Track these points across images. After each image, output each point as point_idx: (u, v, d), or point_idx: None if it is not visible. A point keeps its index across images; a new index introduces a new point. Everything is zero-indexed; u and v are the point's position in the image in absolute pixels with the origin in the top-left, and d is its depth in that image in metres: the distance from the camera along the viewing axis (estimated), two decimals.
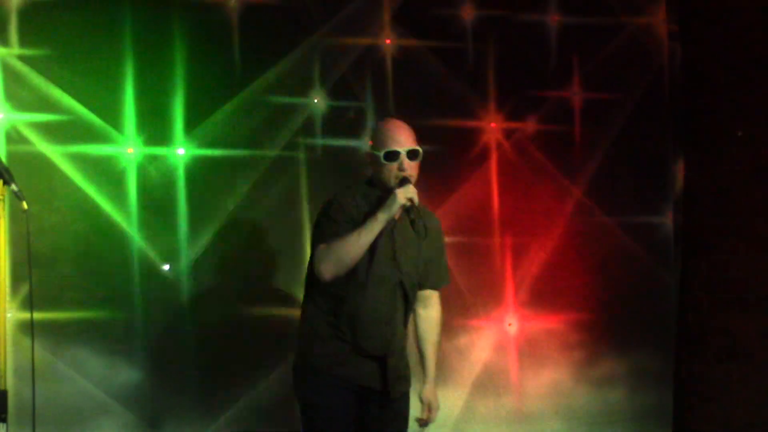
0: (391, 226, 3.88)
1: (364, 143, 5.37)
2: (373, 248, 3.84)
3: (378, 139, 3.95)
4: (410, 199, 3.79)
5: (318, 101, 5.31)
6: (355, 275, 3.85)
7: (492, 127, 5.63)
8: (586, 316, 5.69)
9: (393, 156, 3.88)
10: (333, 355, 3.91)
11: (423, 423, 4.07)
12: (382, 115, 5.39)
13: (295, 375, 4.04)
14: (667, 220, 5.88)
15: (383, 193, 3.88)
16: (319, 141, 5.30)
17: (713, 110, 5.84)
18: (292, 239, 5.20)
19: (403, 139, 3.90)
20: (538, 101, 5.71)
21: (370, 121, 5.38)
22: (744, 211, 5.64)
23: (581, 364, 5.68)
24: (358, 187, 4.01)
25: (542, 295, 5.63)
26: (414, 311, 4.10)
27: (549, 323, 5.65)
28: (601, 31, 5.83)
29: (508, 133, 5.66)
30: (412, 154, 3.89)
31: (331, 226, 3.88)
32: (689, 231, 5.92)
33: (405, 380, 4.03)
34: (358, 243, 3.77)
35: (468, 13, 5.61)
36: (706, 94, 5.87)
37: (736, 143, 5.69)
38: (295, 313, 5.14)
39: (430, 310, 4.12)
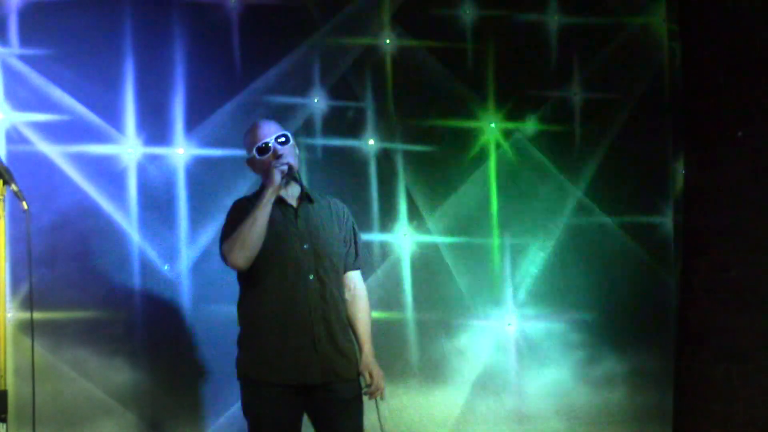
0: (291, 215, 4.01)
1: (365, 143, 5.37)
2: (279, 239, 3.94)
3: (247, 144, 4.13)
4: (285, 164, 3.95)
5: (318, 101, 5.31)
6: (267, 269, 3.94)
7: (492, 127, 5.63)
8: (586, 316, 5.69)
9: (264, 149, 4.05)
10: (258, 358, 3.97)
11: (370, 394, 4.09)
12: (383, 115, 5.40)
13: (240, 386, 4.09)
14: (667, 220, 5.88)
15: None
16: (319, 141, 5.30)
17: (713, 110, 5.84)
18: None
19: (266, 131, 4.08)
20: (538, 101, 5.71)
21: (370, 121, 5.39)
22: (744, 211, 5.63)
23: (581, 364, 5.68)
24: (253, 193, 4.13)
25: (542, 295, 5.63)
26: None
27: (549, 323, 5.65)
28: (601, 31, 5.83)
29: (508, 133, 5.66)
30: (280, 140, 4.05)
31: (229, 225, 4.00)
32: (689, 231, 5.92)
33: (344, 366, 4.04)
34: (254, 221, 3.87)
35: (468, 13, 5.61)
36: (706, 94, 5.87)
37: (736, 143, 5.68)
38: None
39: (353, 291, 4.18)
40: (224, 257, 3.96)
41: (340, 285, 4.13)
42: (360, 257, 4.23)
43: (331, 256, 4.07)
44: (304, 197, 4.12)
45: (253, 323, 4.02)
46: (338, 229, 4.14)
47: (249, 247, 3.88)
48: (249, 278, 4.01)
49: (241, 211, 4.00)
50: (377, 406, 4.13)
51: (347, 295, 4.17)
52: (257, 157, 4.07)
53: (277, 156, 4.01)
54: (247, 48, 5.20)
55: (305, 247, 4.01)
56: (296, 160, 4.09)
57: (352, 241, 4.21)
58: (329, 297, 4.04)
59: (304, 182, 4.27)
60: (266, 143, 4.05)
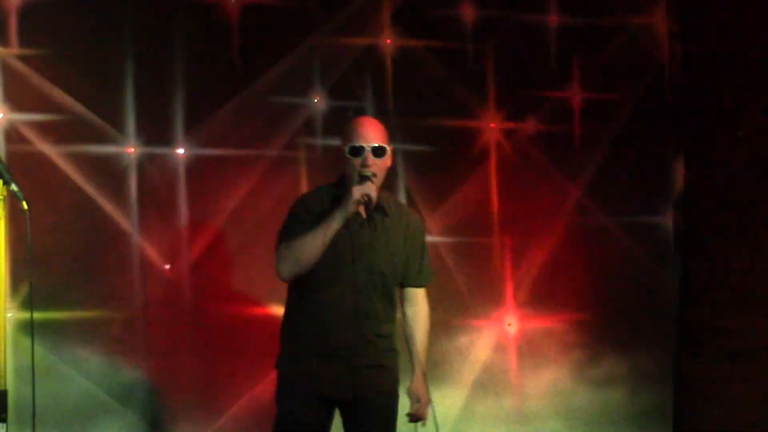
0: (356, 226, 3.85)
1: None
2: (335, 248, 3.79)
3: (346, 135, 3.91)
4: (366, 195, 3.74)
5: (318, 101, 5.31)
6: (317, 275, 3.82)
7: (492, 127, 5.63)
8: (586, 316, 5.69)
9: (357, 151, 3.84)
10: (295, 361, 3.91)
11: (413, 418, 4.00)
12: (383, 115, 5.40)
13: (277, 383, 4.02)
14: (667, 220, 5.89)
15: (347, 192, 3.80)
16: (319, 141, 5.30)
17: (713, 110, 5.84)
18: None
19: (369, 135, 3.86)
20: (538, 101, 5.71)
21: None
22: (744, 211, 5.63)
23: (581, 364, 5.68)
24: (327, 188, 3.99)
25: (542, 295, 5.63)
26: (403, 312, 4.05)
27: (549, 323, 5.65)
28: (601, 31, 5.83)
29: (508, 133, 5.66)
30: (377, 151, 3.84)
31: (294, 226, 3.85)
32: (689, 231, 5.92)
33: (382, 379, 3.95)
34: (314, 242, 3.73)
35: (468, 13, 5.61)
36: (706, 94, 5.87)
37: (736, 143, 5.68)
38: None
39: (414, 308, 4.04)
40: (276, 261, 3.84)
41: (391, 302, 3.97)
42: (423, 275, 4.05)
43: (385, 272, 3.90)
44: (378, 208, 3.88)
45: (295, 326, 3.92)
46: (403, 245, 3.97)
47: (301, 265, 3.77)
48: (299, 281, 3.88)
49: (310, 212, 3.86)
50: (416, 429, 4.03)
51: (408, 311, 4.03)
52: (346, 154, 3.86)
53: (365, 165, 3.80)
54: (247, 48, 5.20)
55: (360, 260, 3.86)
56: (384, 175, 3.89)
57: (419, 258, 4.03)
58: (373, 313, 3.89)
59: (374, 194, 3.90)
60: (362, 147, 3.83)
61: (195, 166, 5.09)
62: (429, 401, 4.02)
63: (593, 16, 5.82)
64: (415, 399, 3.99)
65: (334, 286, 3.85)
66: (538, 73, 5.73)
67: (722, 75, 5.78)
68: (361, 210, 3.83)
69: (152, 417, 4.94)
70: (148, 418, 4.93)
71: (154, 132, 5.03)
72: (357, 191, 3.73)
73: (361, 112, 5.36)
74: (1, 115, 4.81)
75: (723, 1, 5.82)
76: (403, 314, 4.05)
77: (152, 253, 5.00)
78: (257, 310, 5.14)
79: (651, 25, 5.92)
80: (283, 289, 5.13)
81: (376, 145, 3.84)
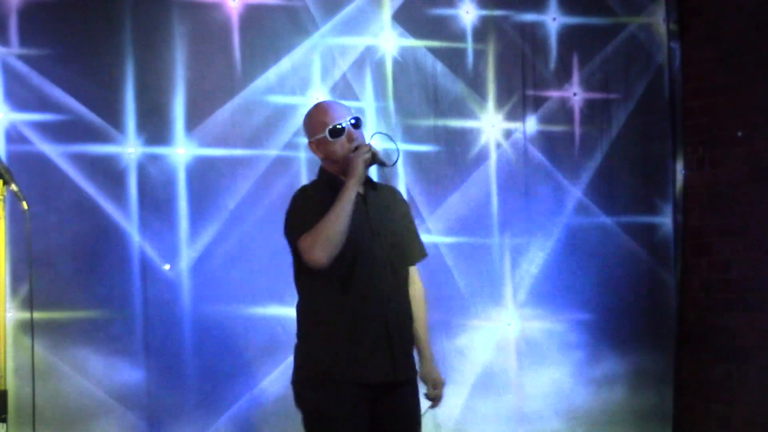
0: (361, 202, 3.74)
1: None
2: (352, 229, 3.66)
3: (317, 123, 3.79)
4: (368, 152, 3.67)
5: (318, 101, 5.30)
6: (340, 259, 3.66)
7: (492, 127, 5.63)
8: (586, 316, 5.69)
9: (338, 131, 3.75)
10: (332, 354, 3.73)
11: (431, 400, 3.86)
12: (383, 115, 5.40)
13: (296, 385, 3.85)
14: (667, 220, 5.89)
15: (344, 170, 3.70)
16: None
17: (713, 110, 5.84)
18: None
19: (339, 112, 3.79)
20: (538, 101, 5.71)
21: (370, 121, 5.38)
22: (744, 211, 5.63)
23: (581, 364, 5.68)
24: (316, 179, 3.89)
25: (542, 295, 5.63)
26: None
27: (549, 323, 5.65)
28: (601, 31, 5.83)
29: (508, 133, 5.66)
30: (356, 123, 3.78)
31: (304, 216, 3.73)
32: (689, 231, 5.92)
33: (411, 364, 3.82)
34: (338, 216, 3.60)
35: (468, 13, 5.61)
36: (706, 94, 5.88)
37: (736, 143, 5.68)
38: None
39: (413, 286, 3.90)
40: (304, 253, 3.68)
41: (408, 276, 3.87)
42: (418, 248, 3.94)
43: (402, 244, 3.82)
44: (368, 183, 3.82)
45: (326, 319, 3.75)
46: (400, 217, 3.89)
47: (334, 244, 3.60)
48: (320, 271, 3.70)
49: (312, 201, 3.74)
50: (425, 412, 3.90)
51: (408, 290, 3.90)
52: (329, 139, 3.74)
53: (352, 140, 3.73)
54: (247, 48, 5.20)
55: (378, 235, 3.75)
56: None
57: (413, 229, 3.95)
58: (402, 288, 3.81)
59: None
60: (341, 125, 3.75)
61: (195, 166, 5.09)
62: (444, 383, 3.91)
63: (593, 16, 5.83)
64: (431, 382, 3.87)
65: (360, 266, 3.71)
66: (538, 73, 5.73)
67: (722, 75, 5.78)
68: (360, 188, 3.73)
69: (152, 417, 4.94)
70: (148, 418, 4.92)
71: (154, 132, 5.03)
72: (359, 151, 3.67)
73: (361, 112, 5.37)
74: (1, 115, 4.81)
75: (723, 1, 5.82)
76: None
77: (152, 253, 5.00)
78: (257, 311, 5.13)
79: (651, 25, 5.92)
80: (282, 288, 5.17)
81: (353, 116, 3.79)
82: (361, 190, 3.75)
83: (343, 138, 3.75)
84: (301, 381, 3.84)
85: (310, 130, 3.83)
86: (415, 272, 3.93)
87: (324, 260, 3.65)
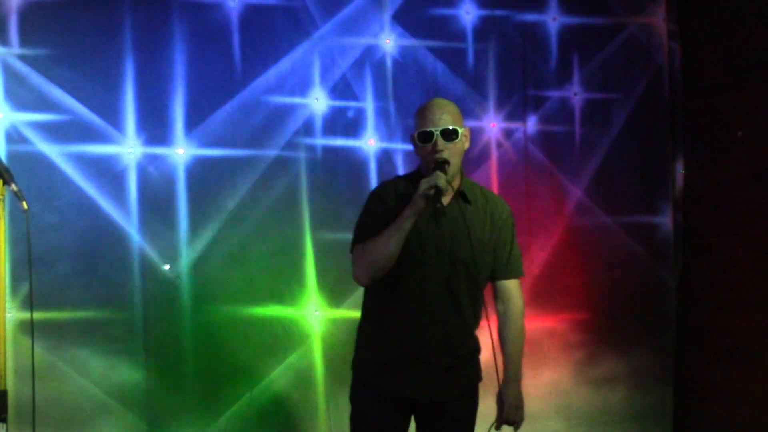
0: (439, 215, 3.59)
1: (364, 143, 5.37)
2: (417, 240, 3.59)
3: (416, 121, 3.69)
4: (433, 188, 3.46)
5: (318, 101, 5.31)
6: (397, 268, 3.56)
7: (492, 127, 5.63)
8: (586, 316, 5.69)
9: (426, 137, 3.62)
10: (373, 361, 3.72)
11: (500, 424, 3.78)
12: (383, 115, 5.40)
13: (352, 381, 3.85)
14: (667, 220, 5.89)
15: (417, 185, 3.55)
16: (319, 141, 5.30)
17: (713, 110, 5.84)
18: (293, 239, 5.19)
19: (437, 118, 3.62)
20: (538, 101, 5.71)
21: (370, 121, 5.39)
22: (744, 211, 5.64)
23: (581, 364, 5.68)
24: (405, 176, 3.80)
25: (542, 295, 5.63)
26: (495, 308, 3.80)
27: (549, 323, 5.65)
28: (601, 31, 5.84)
29: (508, 133, 5.66)
30: (447, 135, 3.60)
31: (366, 222, 3.66)
32: (689, 231, 5.92)
33: (459, 381, 3.74)
34: (387, 244, 3.50)
35: (468, 13, 5.62)
36: (706, 94, 5.88)
37: (736, 143, 5.69)
38: (296, 312, 5.18)
39: (506, 304, 3.78)
40: (352, 265, 3.63)
41: (477, 297, 3.74)
42: (512, 267, 3.80)
43: (469, 264, 3.67)
44: (459, 195, 3.70)
45: (374, 324, 3.73)
46: (489, 234, 3.75)
47: (377, 268, 3.53)
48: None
49: (382, 202, 3.66)
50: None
51: (500, 307, 3.78)
52: (417, 141, 3.65)
53: (436, 151, 3.57)
54: (247, 48, 5.20)
55: (442, 251, 3.64)
56: (459, 159, 3.65)
57: (508, 248, 3.80)
58: (457, 309, 3.67)
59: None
60: (431, 132, 3.61)
61: (195, 166, 5.09)
62: (520, 407, 3.76)
63: (593, 16, 5.83)
64: (507, 404, 3.74)
65: (414, 280, 3.63)
66: (538, 73, 5.73)
67: (721, 75, 5.78)
68: (443, 199, 3.57)
69: (152, 417, 4.94)
70: (148, 418, 4.92)
71: (154, 132, 5.03)
72: (424, 183, 3.48)
73: (361, 112, 5.37)
74: (2, 115, 4.81)
75: (723, 1, 5.82)
76: (496, 311, 3.81)
77: (152, 253, 5.00)
78: (257, 311, 5.13)
79: (651, 25, 5.92)
80: (282, 289, 5.18)
81: (445, 127, 3.61)
82: (445, 201, 3.61)
83: (429, 145, 3.62)
84: (352, 380, 3.84)
85: (414, 125, 3.73)
86: (510, 289, 3.79)
87: (363, 281, 3.63)
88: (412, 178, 3.70)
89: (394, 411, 3.71)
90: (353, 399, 3.81)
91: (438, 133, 3.61)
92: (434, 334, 3.66)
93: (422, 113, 3.68)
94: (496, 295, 3.81)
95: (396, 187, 3.72)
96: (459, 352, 3.73)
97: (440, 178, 3.49)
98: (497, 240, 3.78)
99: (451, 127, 3.62)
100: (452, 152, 3.61)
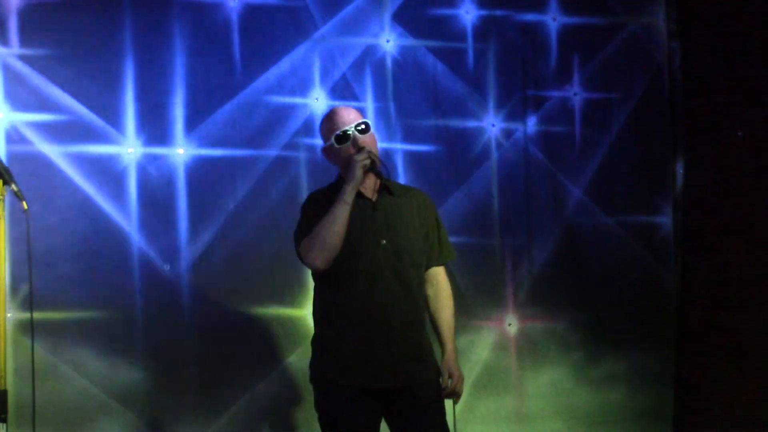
0: (369, 208, 3.81)
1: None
2: (354, 234, 3.73)
3: (324, 131, 3.91)
4: (368, 155, 3.73)
5: (318, 101, 5.31)
6: (342, 265, 3.73)
7: (492, 127, 5.63)
8: (586, 316, 5.69)
9: (343, 138, 3.83)
10: (335, 359, 3.80)
11: (447, 394, 3.90)
12: (383, 115, 5.40)
13: (313, 388, 3.92)
14: (667, 220, 5.88)
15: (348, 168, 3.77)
16: (319, 141, 5.29)
17: (713, 110, 5.84)
18: (293, 239, 5.19)
19: (346, 118, 3.85)
20: (538, 101, 5.71)
21: (370, 121, 5.37)
22: (744, 211, 5.63)
23: (581, 364, 5.68)
24: (330, 185, 3.95)
25: (542, 295, 5.63)
26: (424, 294, 3.96)
27: (549, 323, 5.65)
28: (601, 31, 5.83)
29: (508, 133, 5.66)
30: (360, 128, 3.83)
31: (305, 221, 3.83)
32: (689, 231, 5.92)
33: (422, 369, 3.85)
34: (333, 221, 3.68)
35: (468, 13, 5.62)
36: (706, 94, 5.87)
37: (736, 143, 5.68)
38: (296, 312, 5.18)
39: (435, 287, 3.97)
40: (301, 257, 3.79)
41: (421, 282, 3.91)
42: (444, 252, 4.00)
43: (411, 252, 3.84)
44: (383, 189, 3.89)
45: (330, 323, 3.83)
46: (419, 223, 3.91)
47: (329, 248, 3.68)
48: (324, 276, 3.81)
49: (317, 206, 3.81)
50: (453, 408, 3.95)
51: (429, 291, 3.96)
52: (335, 146, 3.84)
53: (357, 146, 3.79)
54: (247, 48, 5.20)
55: (383, 243, 3.79)
56: (377, 151, 3.88)
57: (436, 234, 3.98)
58: (408, 295, 3.83)
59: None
60: (345, 131, 3.82)
61: (195, 166, 5.09)
62: (462, 377, 3.94)
63: (593, 16, 5.83)
64: (446, 373, 3.90)
65: (362, 273, 3.77)
66: (538, 73, 5.73)
67: (722, 75, 5.78)
68: (369, 192, 3.82)
69: (152, 417, 4.94)
70: (147, 418, 4.93)
71: (154, 132, 5.03)
72: (357, 156, 3.73)
73: (362, 111, 5.36)
74: (2, 115, 4.81)
75: (723, 1, 5.82)
76: (425, 296, 3.96)
77: (152, 253, 5.00)
78: (257, 311, 5.13)
79: (651, 25, 5.92)
80: (282, 289, 5.18)
81: (358, 122, 3.84)
82: (372, 196, 3.81)
83: (349, 144, 3.81)
84: (312, 383, 3.91)
85: (322, 137, 3.92)
86: (437, 274, 3.99)
87: (319, 264, 3.73)
88: (336, 186, 3.85)
89: (365, 408, 3.77)
90: (321, 407, 3.85)
91: (352, 129, 3.82)
92: (393, 325, 3.77)
93: (330, 119, 3.88)
94: (426, 281, 3.96)
95: (324, 193, 3.89)
96: (417, 339, 3.85)
97: (371, 150, 3.75)
98: (426, 225, 3.96)
99: (362, 121, 3.85)
100: (372, 143, 3.84)
